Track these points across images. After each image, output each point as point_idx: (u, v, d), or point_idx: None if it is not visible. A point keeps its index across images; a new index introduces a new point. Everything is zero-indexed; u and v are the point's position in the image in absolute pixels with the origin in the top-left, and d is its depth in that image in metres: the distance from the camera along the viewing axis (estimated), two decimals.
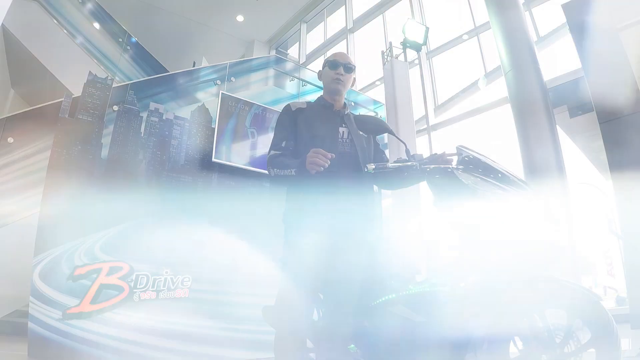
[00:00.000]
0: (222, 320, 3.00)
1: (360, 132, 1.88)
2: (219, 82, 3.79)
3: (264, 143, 3.56)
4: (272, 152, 1.79)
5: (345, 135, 1.86)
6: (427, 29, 6.02)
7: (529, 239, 1.42)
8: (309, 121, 1.82)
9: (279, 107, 2.30)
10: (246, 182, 3.44)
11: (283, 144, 1.79)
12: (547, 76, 5.28)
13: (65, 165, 2.68)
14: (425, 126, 6.61)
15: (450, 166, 1.64)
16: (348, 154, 1.81)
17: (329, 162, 1.55)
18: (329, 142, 1.77)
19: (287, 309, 1.66)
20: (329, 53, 10.54)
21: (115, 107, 2.99)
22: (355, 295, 1.77)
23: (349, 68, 1.90)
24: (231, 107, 3.52)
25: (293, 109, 1.87)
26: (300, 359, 1.69)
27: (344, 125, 1.88)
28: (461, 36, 7.41)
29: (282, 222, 1.82)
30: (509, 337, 1.50)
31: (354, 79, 1.96)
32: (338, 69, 1.88)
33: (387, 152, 4.98)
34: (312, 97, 4.22)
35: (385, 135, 3.53)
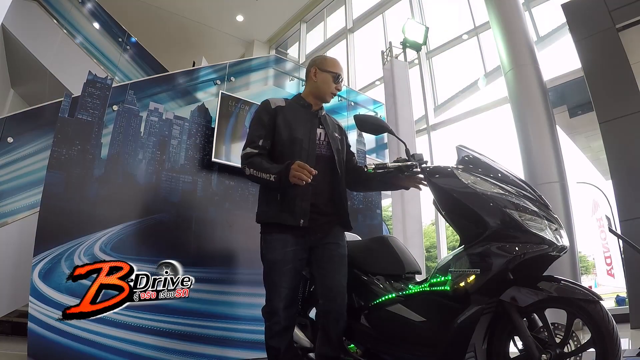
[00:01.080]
0: (221, 320, 3.00)
1: (336, 134, 1.91)
2: (218, 81, 3.78)
3: None
4: (248, 149, 1.76)
5: (322, 137, 1.87)
6: (427, 28, 6.02)
7: (529, 238, 1.42)
8: (288, 121, 1.80)
9: None
10: (246, 182, 3.44)
11: (260, 142, 1.76)
12: (547, 76, 5.27)
13: (65, 165, 2.67)
14: (425, 126, 6.62)
15: (450, 166, 1.64)
16: (325, 156, 1.83)
17: (311, 178, 1.57)
18: (307, 144, 1.78)
19: (274, 308, 1.68)
20: (329, 52, 10.43)
21: (115, 107, 2.99)
22: (338, 294, 1.77)
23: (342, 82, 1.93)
24: (231, 106, 3.52)
25: (272, 106, 1.84)
26: (291, 354, 1.70)
27: (321, 127, 1.88)
28: (461, 36, 7.41)
29: (256, 222, 1.81)
30: (509, 337, 1.51)
31: None
32: (339, 83, 1.89)
33: (386, 151, 5.00)
34: None
35: (385, 134, 3.53)
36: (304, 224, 1.69)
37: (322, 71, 1.87)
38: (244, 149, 1.78)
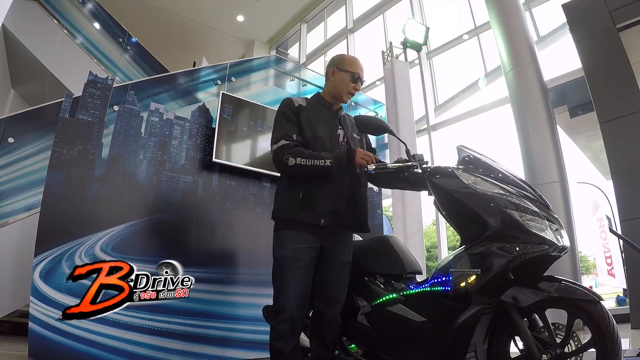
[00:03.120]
0: (221, 320, 3.01)
1: (354, 135, 1.91)
2: (219, 82, 3.78)
3: (264, 143, 3.56)
4: (284, 141, 1.71)
5: (342, 137, 1.87)
6: (427, 28, 6.02)
7: (529, 239, 1.42)
8: (310, 121, 1.80)
9: None
10: (246, 182, 3.45)
11: (294, 136, 1.74)
12: (547, 76, 5.27)
13: (66, 165, 2.68)
14: (425, 126, 6.62)
15: (451, 166, 1.65)
16: None
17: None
18: (329, 143, 1.78)
19: (280, 306, 1.66)
20: (330, 53, 10.41)
21: (116, 107, 2.99)
22: (341, 295, 1.78)
23: (362, 83, 1.91)
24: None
25: (295, 104, 1.84)
26: (296, 357, 1.69)
27: (340, 127, 1.89)
28: (461, 36, 7.41)
29: (272, 218, 1.81)
30: (509, 337, 1.51)
31: None
32: (357, 83, 1.86)
33: (387, 152, 5.00)
34: None
35: (386, 135, 3.53)
36: (324, 223, 1.68)
37: (340, 70, 1.85)
38: (276, 143, 1.73)
